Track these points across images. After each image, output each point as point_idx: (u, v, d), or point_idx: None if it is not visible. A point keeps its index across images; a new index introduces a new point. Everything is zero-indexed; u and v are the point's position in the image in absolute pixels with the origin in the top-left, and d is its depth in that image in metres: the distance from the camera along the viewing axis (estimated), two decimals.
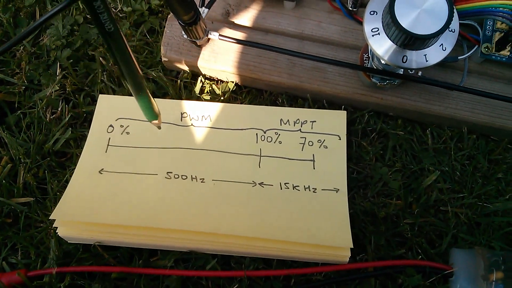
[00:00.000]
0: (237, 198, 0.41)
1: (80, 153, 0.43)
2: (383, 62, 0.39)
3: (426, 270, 0.38)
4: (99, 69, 0.47)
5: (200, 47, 0.45)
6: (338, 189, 0.41)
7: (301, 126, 0.44)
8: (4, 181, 0.42)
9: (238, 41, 0.44)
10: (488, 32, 0.42)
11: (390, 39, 0.35)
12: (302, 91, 0.45)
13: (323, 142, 0.43)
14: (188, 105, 0.45)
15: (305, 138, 0.43)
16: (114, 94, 0.46)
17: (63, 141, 0.44)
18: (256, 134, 0.44)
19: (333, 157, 0.42)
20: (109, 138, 0.44)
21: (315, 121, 0.44)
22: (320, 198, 0.41)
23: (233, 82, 0.46)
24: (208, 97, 0.46)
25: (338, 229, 0.39)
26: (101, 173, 0.42)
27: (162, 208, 0.40)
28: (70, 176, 0.41)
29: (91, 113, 0.45)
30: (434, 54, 0.36)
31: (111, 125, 0.44)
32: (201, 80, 0.47)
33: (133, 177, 0.42)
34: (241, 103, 0.46)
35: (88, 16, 0.50)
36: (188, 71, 0.47)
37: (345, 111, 0.44)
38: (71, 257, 0.39)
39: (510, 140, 0.44)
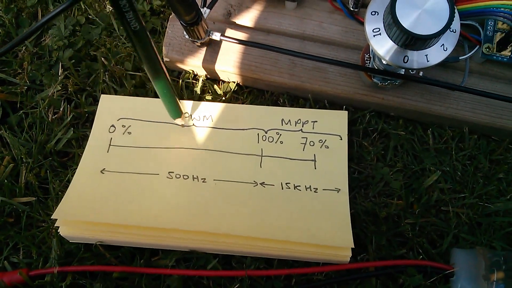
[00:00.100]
0: (239, 198, 0.41)
1: (82, 153, 0.43)
2: (384, 62, 0.39)
3: (427, 270, 0.38)
4: (101, 69, 0.47)
5: (201, 47, 0.45)
6: (339, 189, 0.41)
7: (303, 126, 0.44)
8: (6, 181, 0.42)
9: (240, 42, 0.44)
10: (489, 33, 0.42)
11: (391, 39, 0.35)
12: (303, 91, 0.45)
13: (324, 142, 0.43)
14: (189, 105, 0.45)
15: (306, 138, 0.43)
16: (116, 94, 0.46)
17: (65, 141, 0.44)
18: (258, 134, 0.44)
19: (334, 157, 0.42)
20: (111, 138, 0.44)
21: (316, 121, 0.44)
22: (321, 198, 0.41)
23: (234, 82, 0.46)
24: (209, 97, 0.46)
25: (339, 229, 0.39)
26: (103, 173, 0.42)
27: (163, 208, 0.40)
28: (72, 176, 0.42)
29: (93, 113, 0.45)
30: (435, 54, 0.36)
31: (113, 125, 0.44)
32: (202, 80, 0.47)
33: (135, 177, 0.42)
34: (242, 103, 0.46)
35: (89, 16, 0.50)
36: (189, 71, 0.47)
37: (346, 111, 0.44)
38: (73, 257, 0.39)
39: (511, 140, 0.44)
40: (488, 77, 0.44)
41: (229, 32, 0.45)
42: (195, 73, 0.47)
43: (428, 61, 0.36)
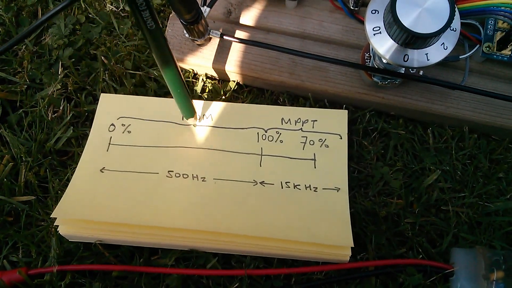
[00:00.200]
0: (238, 197, 0.41)
1: (82, 152, 0.43)
2: (384, 61, 0.39)
3: (427, 269, 0.38)
4: (100, 68, 0.47)
5: (201, 46, 0.45)
6: (339, 188, 0.41)
7: (302, 125, 0.44)
8: (5, 180, 0.42)
9: (240, 40, 0.44)
10: (489, 32, 0.42)
11: (391, 38, 0.35)
12: (304, 90, 0.45)
13: (324, 141, 0.43)
14: None
15: (306, 137, 0.43)
16: (115, 93, 0.46)
17: (64, 139, 0.44)
18: (257, 133, 0.44)
19: (334, 156, 0.42)
20: (111, 137, 0.44)
21: (316, 120, 0.44)
22: (321, 197, 0.41)
23: (234, 81, 0.46)
24: (209, 96, 0.46)
25: (339, 228, 0.39)
26: (103, 172, 0.42)
27: (163, 206, 0.40)
28: (72, 175, 0.42)
29: (92, 112, 0.45)
30: (436, 53, 0.36)
31: (112, 124, 0.44)
32: (202, 79, 0.47)
33: (134, 176, 0.42)
34: (242, 102, 0.46)
35: (90, 15, 0.50)
36: (189, 70, 0.47)
37: (346, 110, 0.44)
38: (72, 256, 0.39)
39: (511, 140, 0.44)
40: (489, 76, 0.44)
41: (229, 31, 0.45)
42: (195, 72, 0.47)
43: (428, 60, 0.36)
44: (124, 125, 0.44)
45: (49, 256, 0.39)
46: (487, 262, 0.36)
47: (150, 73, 0.47)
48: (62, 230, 0.38)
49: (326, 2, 0.46)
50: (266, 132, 0.44)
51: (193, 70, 0.47)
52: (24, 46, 0.49)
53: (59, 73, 0.47)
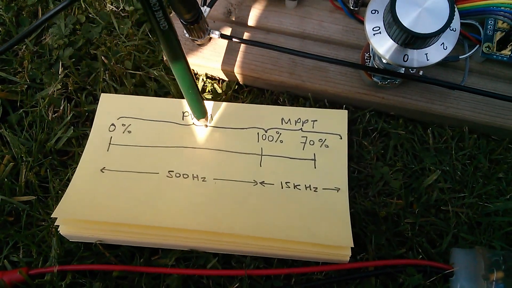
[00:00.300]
0: (238, 197, 0.41)
1: (82, 152, 0.43)
2: (384, 61, 0.39)
3: (427, 270, 0.38)
4: (101, 68, 0.47)
5: (201, 46, 0.45)
6: (339, 188, 0.41)
7: (302, 125, 0.44)
8: (6, 180, 0.42)
9: (240, 40, 0.44)
10: (489, 32, 0.42)
11: (391, 38, 0.35)
12: (304, 90, 0.45)
13: (324, 141, 0.43)
14: None
15: (306, 137, 0.43)
16: (116, 93, 0.46)
17: (65, 139, 0.44)
18: (258, 133, 0.44)
19: (334, 156, 0.42)
20: (111, 137, 0.44)
21: (316, 120, 0.44)
22: (321, 197, 0.41)
23: (234, 81, 0.46)
24: (209, 96, 0.46)
25: (338, 228, 0.39)
26: (103, 172, 0.42)
27: (163, 207, 0.40)
28: (72, 175, 0.42)
29: (93, 112, 0.45)
30: (435, 53, 0.36)
31: (113, 124, 0.44)
32: (202, 79, 0.47)
33: (135, 175, 0.42)
34: (242, 102, 0.46)
35: (90, 15, 0.50)
36: None
37: (346, 111, 0.44)
38: (73, 256, 0.39)
39: (511, 140, 0.44)
40: (488, 76, 0.44)
41: (229, 31, 0.45)
42: (195, 72, 0.47)
43: (428, 60, 0.36)
44: (125, 125, 0.44)
45: (49, 256, 0.39)
46: (487, 262, 0.36)
47: (150, 73, 0.47)
48: (62, 230, 0.38)
49: (326, 2, 0.46)
50: (266, 132, 0.44)
51: (193, 70, 0.47)
52: (24, 46, 0.49)
53: (60, 73, 0.47)
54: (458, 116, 0.43)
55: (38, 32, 0.50)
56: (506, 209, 0.41)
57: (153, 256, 0.40)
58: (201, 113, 0.40)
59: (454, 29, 0.36)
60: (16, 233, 0.41)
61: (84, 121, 0.46)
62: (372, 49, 0.37)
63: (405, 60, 0.36)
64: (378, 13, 0.36)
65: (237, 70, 0.45)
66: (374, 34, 0.36)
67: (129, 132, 0.44)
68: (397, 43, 0.35)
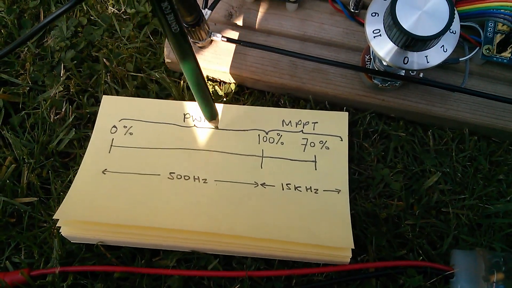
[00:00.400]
0: (239, 199, 0.41)
1: (84, 154, 0.43)
2: (384, 63, 0.39)
3: (427, 271, 0.38)
4: (102, 70, 0.47)
5: (203, 48, 0.45)
6: (340, 190, 0.41)
7: (303, 127, 0.44)
8: (8, 181, 0.42)
9: (241, 43, 0.44)
10: (489, 34, 0.43)
11: (391, 40, 0.35)
12: (304, 93, 0.45)
13: (325, 143, 0.43)
14: (190, 106, 0.45)
15: (307, 139, 0.44)
16: (117, 95, 0.46)
17: (66, 141, 0.44)
18: (258, 135, 0.44)
19: (334, 158, 0.43)
20: (113, 139, 0.44)
21: (317, 122, 0.44)
22: (322, 199, 0.41)
23: (235, 83, 0.47)
24: None
25: (339, 229, 0.39)
26: (105, 174, 0.42)
27: (164, 208, 0.40)
28: (74, 176, 0.42)
29: (94, 114, 0.45)
30: (435, 56, 0.36)
31: (114, 126, 0.44)
32: None
33: (136, 177, 0.42)
34: (243, 104, 0.46)
35: (91, 17, 0.50)
36: None
37: (347, 113, 0.44)
38: (74, 257, 0.39)
39: (511, 142, 0.45)
40: (488, 78, 0.44)
41: (230, 33, 0.46)
42: None
43: (428, 62, 0.36)
44: (126, 127, 0.44)
45: (51, 257, 0.39)
46: (487, 264, 0.36)
47: (152, 75, 0.47)
48: (64, 231, 0.38)
49: (326, 5, 0.46)
50: (267, 134, 0.44)
51: None
52: (26, 48, 0.49)
53: (61, 75, 0.47)
54: (458, 118, 0.43)
55: (40, 35, 0.50)
56: (507, 210, 0.41)
57: (154, 257, 0.40)
58: (212, 114, 0.40)
59: (454, 32, 0.36)
60: (18, 234, 0.41)
61: (85, 123, 0.46)
62: (372, 52, 0.38)
63: (405, 62, 0.36)
64: (378, 15, 0.36)
65: (238, 72, 0.45)
66: (374, 37, 0.36)
67: (131, 134, 0.44)
68: (397, 46, 0.35)
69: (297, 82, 0.44)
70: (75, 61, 0.48)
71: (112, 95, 0.46)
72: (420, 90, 0.44)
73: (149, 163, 0.43)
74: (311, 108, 0.45)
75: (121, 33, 0.50)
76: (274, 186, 0.41)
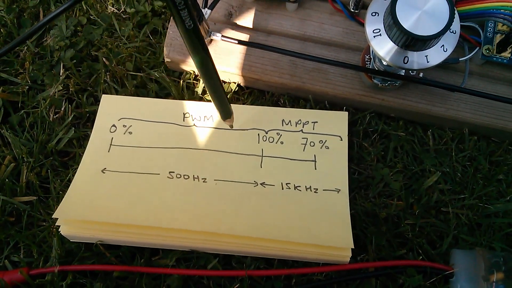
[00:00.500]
0: (239, 198, 0.41)
1: (83, 153, 0.43)
2: (384, 63, 0.39)
3: (427, 271, 0.38)
4: (102, 70, 0.47)
5: None
6: (340, 190, 0.41)
7: (303, 127, 0.44)
8: (7, 180, 0.42)
9: (241, 42, 0.44)
10: (489, 34, 0.43)
11: (391, 40, 0.35)
12: (304, 92, 0.45)
13: (325, 142, 0.43)
14: (190, 106, 0.45)
15: (307, 138, 0.43)
16: (117, 94, 0.46)
17: (66, 140, 0.44)
18: (258, 134, 0.44)
19: (334, 158, 0.43)
20: (112, 138, 0.44)
21: (316, 122, 0.44)
22: (322, 198, 0.41)
23: (235, 83, 0.47)
24: (210, 98, 0.46)
25: (339, 229, 0.39)
26: (104, 173, 0.42)
27: (164, 207, 0.40)
28: (73, 176, 0.42)
29: (94, 113, 0.45)
30: (435, 55, 0.36)
31: (114, 125, 0.44)
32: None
33: (136, 176, 0.42)
34: (243, 104, 0.46)
35: (91, 16, 0.50)
36: (190, 71, 0.47)
37: (347, 112, 0.44)
38: (73, 256, 0.39)
39: (511, 142, 0.44)
40: (488, 78, 0.44)
41: (230, 33, 0.46)
42: (196, 74, 0.47)
43: (428, 62, 0.36)
44: (125, 126, 0.44)
45: (50, 256, 0.39)
46: (487, 263, 0.36)
47: (151, 75, 0.47)
48: (63, 231, 0.38)
49: (326, 5, 0.46)
50: (266, 133, 0.44)
51: (194, 71, 0.47)
52: (25, 48, 0.49)
53: (61, 74, 0.47)
54: (458, 118, 0.43)
55: (39, 34, 0.50)
56: (506, 210, 0.42)
57: (153, 257, 0.40)
58: (227, 113, 0.40)
59: (454, 32, 0.36)
60: (17, 233, 0.41)
61: (85, 122, 0.46)
62: (372, 51, 0.38)
63: (405, 62, 0.36)
64: (378, 15, 0.36)
65: (237, 72, 0.45)
66: (374, 36, 0.36)
67: (130, 133, 0.44)
68: (397, 45, 0.35)
69: (297, 82, 0.44)
70: (75, 60, 0.48)
71: (111, 94, 0.46)
72: (420, 90, 0.44)
73: (149, 162, 0.43)
74: (311, 108, 0.45)
75: (121, 32, 0.50)
76: (273, 185, 0.41)
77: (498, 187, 0.43)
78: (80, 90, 0.47)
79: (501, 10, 0.38)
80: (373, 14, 0.36)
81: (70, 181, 0.42)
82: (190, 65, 0.46)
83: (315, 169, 0.42)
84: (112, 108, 0.45)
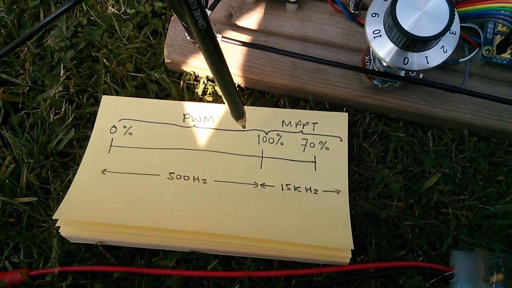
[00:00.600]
0: (239, 199, 0.41)
1: (83, 154, 0.43)
2: (384, 64, 0.39)
3: (427, 272, 0.38)
4: (102, 70, 0.47)
5: None
6: (339, 191, 0.41)
7: (303, 128, 0.44)
8: (7, 181, 0.42)
9: (241, 43, 0.44)
10: (489, 35, 0.43)
11: (391, 41, 0.35)
12: (304, 93, 0.45)
13: (325, 143, 0.43)
14: (190, 106, 0.45)
15: (307, 139, 0.44)
16: (117, 95, 0.46)
17: (66, 141, 0.44)
18: (258, 135, 0.44)
19: (334, 159, 0.43)
20: (112, 139, 0.44)
21: (316, 123, 0.44)
22: (321, 199, 0.41)
23: (235, 83, 0.46)
24: (210, 99, 0.46)
25: (339, 230, 0.39)
26: (104, 174, 0.42)
27: (164, 208, 0.40)
28: (73, 176, 0.42)
29: (94, 114, 0.45)
30: (435, 56, 0.36)
31: (114, 126, 0.44)
32: (203, 82, 0.47)
33: (136, 177, 0.42)
34: (243, 105, 0.46)
35: (91, 17, 0.50)
36: (190, 72, 0.47)
37: (347, 113, 0.44)
38: (73, 257, 0.39)
39: (511, 143, 0.44)
40: (488, 79, 0.44)
41: (230, 33, 0.46)
42: (196, 75, 0.47)
43: (428, 63, 0.36)
44: (126, 127, 0.44)
45: (50, 257, 0.39)
46: (487, 264, 0.36)
47: (152, 76, 0.47)
48: (63, 231, 0.38)
49: (326, 5, 0.46)
50: (266, 134, 0.44)
51: (194, 72, 0.47)
52: (26, 48, 0.49)
53: (61, 75, 0.47)
54: (458, 119, 0.43)
55: (39, 35, 0.50)
56: (506, 211, 0.42)
57: (153, 258, 0.40)
58: (239, 113, 0.40)
59: (454, 32, 0.36)
60: (17, 234, 0.41)
61: (85, 123, 0.46)
62: (372, 52, 0.38)
63: (405, 63, 0.36)
64: (378, 16, 0.36)
65: (238, 73, 0.45)
66: (374, 37, 0.36)
67: (130, 134, 0.44)
68: (397, 46, 0.35)
69: (297, 83, 0.44)
70: (75, 61, 0.48)
71: (111, 95, 0.46)
72: (420, 91, 0.44)
73: (149, 163, 0.43)
74: (311, 109, 0.45)
75: (121, 33, 0.50)
76: (273, 186, 0.41)
77: (498, 188, 0.43)
78: (81, 91, 0.47)
79: (501, 11, 0.38)
80: (373, 15, 0.36)
81: (70, 182, 0.42)
82: (190, 66, 0.46)
83: (315, 170, 0.42)
84: (113, 109, 0.45)
